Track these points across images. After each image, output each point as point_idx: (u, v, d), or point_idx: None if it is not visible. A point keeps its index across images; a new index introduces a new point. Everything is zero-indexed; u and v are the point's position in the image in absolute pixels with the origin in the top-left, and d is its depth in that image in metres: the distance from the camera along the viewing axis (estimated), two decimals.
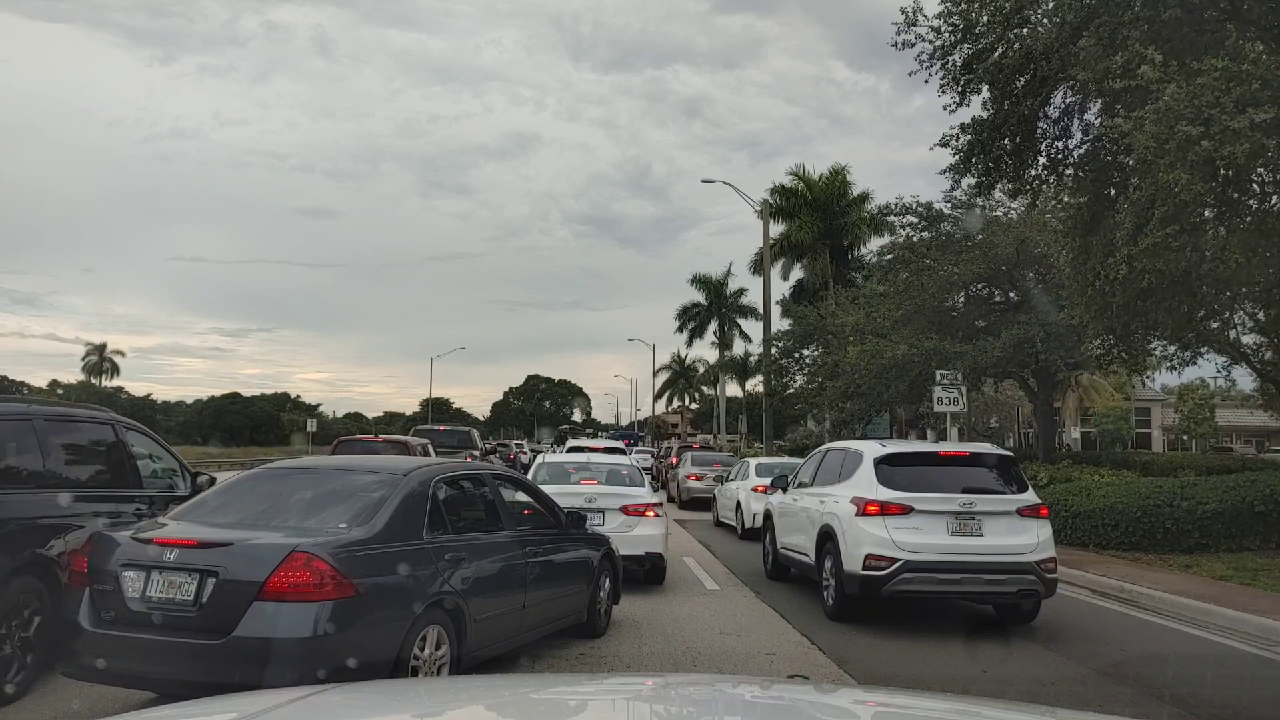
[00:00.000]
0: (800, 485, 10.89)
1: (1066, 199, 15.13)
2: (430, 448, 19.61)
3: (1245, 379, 25.84)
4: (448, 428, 32.33)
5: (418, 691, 2.85)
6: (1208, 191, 10.42)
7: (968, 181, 15.35)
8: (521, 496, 7.54)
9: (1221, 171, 10.24)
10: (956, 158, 14.25)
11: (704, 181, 65.06)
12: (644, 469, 16.63)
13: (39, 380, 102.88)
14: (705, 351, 71.36)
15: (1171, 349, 17.89)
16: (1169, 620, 9.20)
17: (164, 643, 4.83)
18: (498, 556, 6.24)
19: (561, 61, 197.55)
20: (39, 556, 6.00)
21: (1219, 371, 19.14)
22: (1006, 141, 13.97)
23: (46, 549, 6.05)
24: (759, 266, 40.61)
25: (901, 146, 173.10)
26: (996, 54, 13.25)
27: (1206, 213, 12.19)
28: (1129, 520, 13.09)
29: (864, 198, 42.01)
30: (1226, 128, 9.64)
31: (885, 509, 8.38)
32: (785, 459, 21.19)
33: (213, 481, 7.89)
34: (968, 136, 14.15)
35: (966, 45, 13.82)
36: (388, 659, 4.99)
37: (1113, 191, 13.62)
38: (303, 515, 5.57)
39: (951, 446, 10.79)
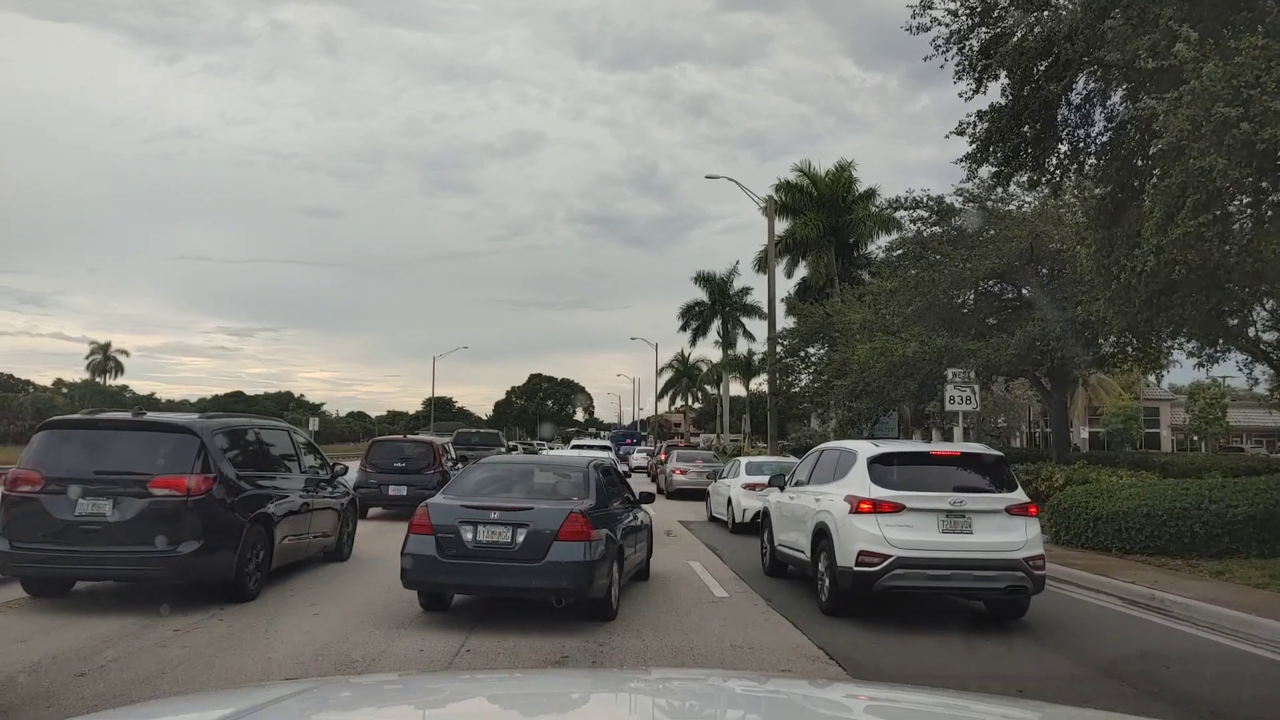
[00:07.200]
0: (797, 484, 11.03)
1: (1090, 189, 14.55)
2: (450, 445, 23.32)
3: (1260, 378, 24.94)
4: (481, 430, 42.75)
5: (419, 685, 2.85)
6: (1245, 177, 9.85)
7: (985, 171, 14.76)
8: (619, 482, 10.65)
9: (1261, 156, 9.65)
10: (974, 146, 13.68)
11: (708, 177, 64.77)
12: (638, 467, 20.10)
13: (44, 379, 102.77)
14: (709, 351, 70.99)
15: (1191, 345, 17.28)
16: (1207, 632, 8.62)
17: (494, 566, 7.94)
18: (624, 518, 9.38)
19: (567, 60, 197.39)
20: (264, 513, 9.26)
21: (1240, 369, 18.49)
22: (1026, 129, 13.39)
23: (266, 508, 9.35)
24: (763, 264, 40.04)
25: (908, 145, 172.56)
26: (1017, 37, 12.69)
27: (1239, 201, 11.64)
28: (1155, 524, 12.51)
29: (870, 194, 41.39)
30: (1268, 109, 9.08)
31: (878, 507, 8.57)
32: (775, 458, 22.20)
33: (346, 469, 12.70)
34: (985, 124, 13.60)
35: (984, 29, 13.29)
36: (609, 573, 8.25)
37: (1137, 182, 13.06)
38: (546, 492, 8.88)
39: (943, 447, 11.02)
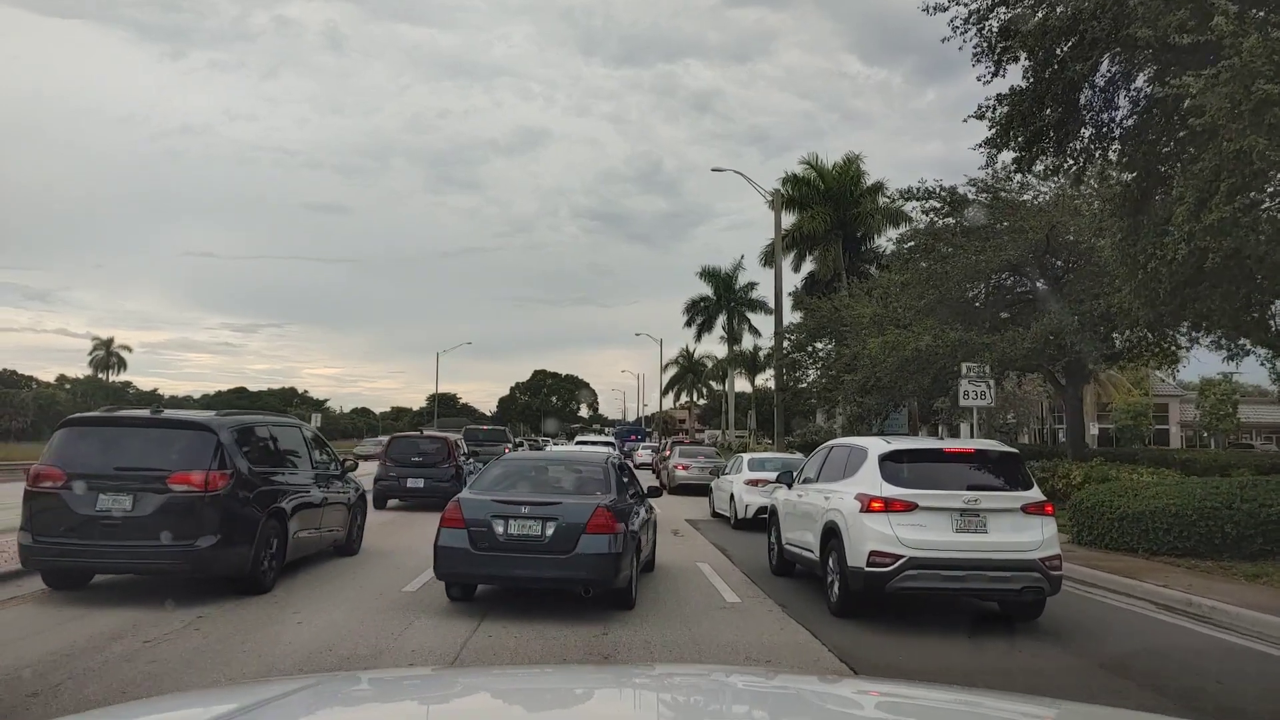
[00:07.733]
0: (805, 481, 10.76)
1: (1113, 175, 13.98)
2: (462, 440, 24.26)
3: (1262, 372, 24.13)
4: (489, 427, 43.53)
5: (426, 680, 2.84)
6: None
7: (1005, 157, 14.18)
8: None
9: None
10: (993, 130, 13.13)
11: (714, 170, 64.14)
12: (643, 463, 20.90)
13: (47, 375, 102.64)
14: (714, 347, 70.54)
15: (1211, 339, 16.70)
16: (1255, 641, 8.09)
17: (525, 558, 8.18)
18: (638, 510, 9.61)
19: (572, 56, 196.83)
20: (278, 508, 9.43)
21: (1263, 364, 17.94)
22: (1049, 111, 12.82)
23: (280, 503, 9.51)
24: (769, 259, 39.49)
25: (912, 140, 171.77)
26: (1039, 16, 12.14)
27: (1268, 189, 11.09)
28: (1183, 524, 11.98)
29: (878, 187, 40.77)
30: None
31: (890, 505, 8.31)
32: (778, 454, 22.20)
33: (356, 464, 12.82)
34: (1005, 107, 13.06)
35: (1004, 8, 12.74)
36: (630, 564, 8.58)
37: (1163, 168, 12.51)
38: (570, 487, 9.24)
39: (956, 444, 10.62)
